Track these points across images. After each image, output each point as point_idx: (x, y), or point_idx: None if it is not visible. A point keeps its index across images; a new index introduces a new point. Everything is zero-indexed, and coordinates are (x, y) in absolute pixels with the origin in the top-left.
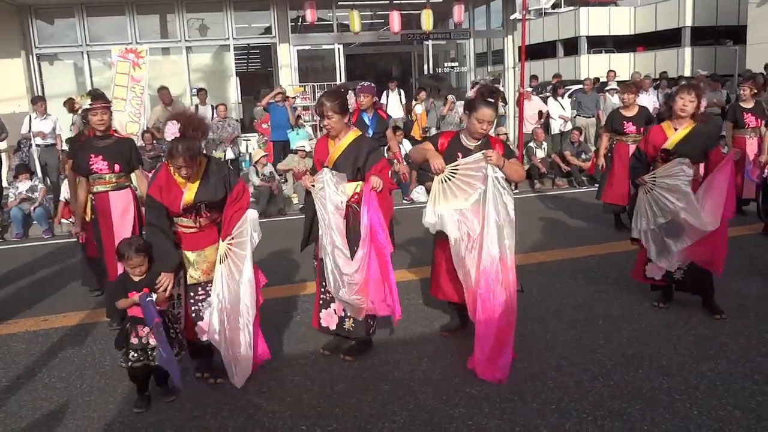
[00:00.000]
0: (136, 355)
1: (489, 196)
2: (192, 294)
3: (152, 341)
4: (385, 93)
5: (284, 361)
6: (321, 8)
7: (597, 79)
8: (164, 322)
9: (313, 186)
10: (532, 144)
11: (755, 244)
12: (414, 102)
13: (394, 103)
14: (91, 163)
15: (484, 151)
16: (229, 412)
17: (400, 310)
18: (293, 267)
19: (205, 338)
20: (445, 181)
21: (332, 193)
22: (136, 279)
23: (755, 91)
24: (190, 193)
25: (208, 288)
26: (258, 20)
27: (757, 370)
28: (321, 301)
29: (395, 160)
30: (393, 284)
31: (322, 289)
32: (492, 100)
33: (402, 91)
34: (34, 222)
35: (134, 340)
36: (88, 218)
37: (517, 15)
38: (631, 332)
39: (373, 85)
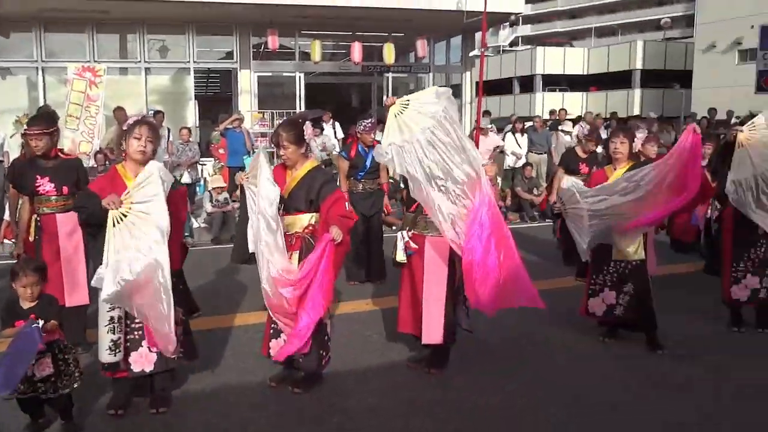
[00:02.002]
0: (22, 387)
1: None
2: (129, 321)
3: (39, 372)
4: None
5: (231, 391)
6: (283, 36)
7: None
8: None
9: (247, 178)
10: None
11: (695, 282)
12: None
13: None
14: (37, 184)
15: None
16: None
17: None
18: (243, 295)
19: (138, 370)
20: (398, 116)
21: (267, 175)
22: (26, 306)
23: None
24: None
25: None
26: (219, 44)
27: (698, 404)
28: (271, 330)
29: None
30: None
31: (273, 317)
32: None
33: (337, 123)
34: None
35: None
36: (31, 238)
37: (476, 52)
38: (577, 366)
39: (374, 121)
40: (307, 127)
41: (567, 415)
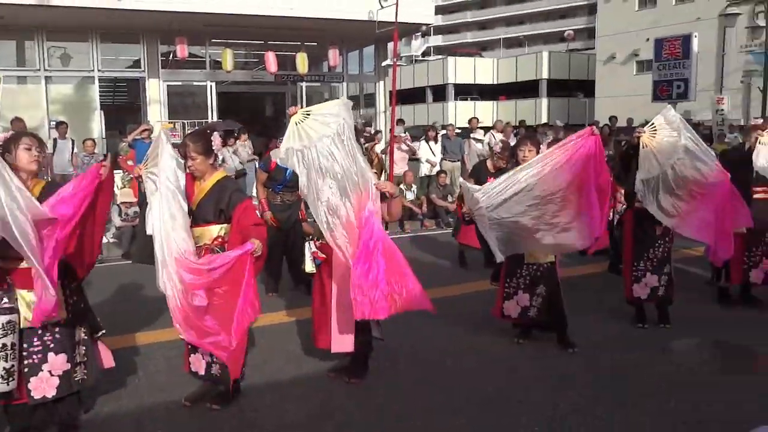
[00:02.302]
0: None
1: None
2: (26, 345)
3: None
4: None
5: (145, 412)
6: (194, 44)
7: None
8: None
9: (146, 165)
10: (402, 186)
11: (602, 283)
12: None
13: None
14: None
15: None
16: None
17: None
18: (156, 311)
19: (39, 396)
20: (299, 123)
21: (170, 151)
22: None
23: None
24: None
25: (46, 337)
26: (126, 52)
27: (604, 400)
28: (190, 345)
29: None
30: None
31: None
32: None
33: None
34: None
35: None
36: None
37: (388, 61)
38: (494, 369)
39: None
40: (216, 138)
41: (480, 417)
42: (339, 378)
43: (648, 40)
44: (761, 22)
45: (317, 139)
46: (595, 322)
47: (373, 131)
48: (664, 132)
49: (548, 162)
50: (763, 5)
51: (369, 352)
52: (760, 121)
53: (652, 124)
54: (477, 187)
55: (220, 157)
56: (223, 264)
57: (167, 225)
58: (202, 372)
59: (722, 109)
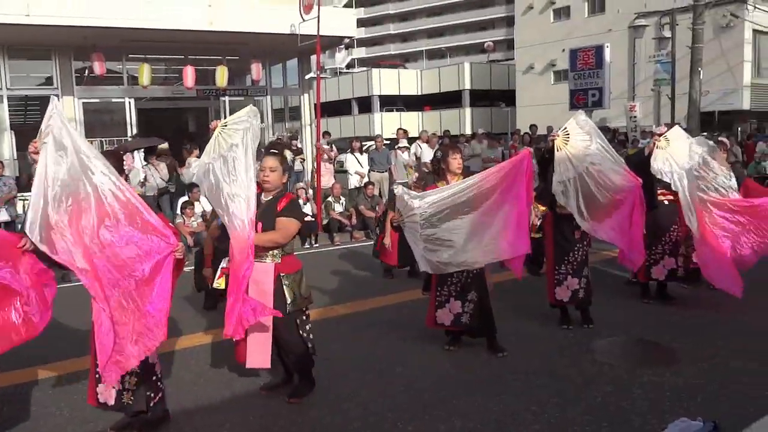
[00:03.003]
0: None
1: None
2: None
3: None
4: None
5: None
6: (110, 60)
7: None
8: None
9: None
10: (330, 199)
11: (527, 287)
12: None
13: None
14: None
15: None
16: None
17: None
18: (84, 338)
19: None
20: (217, 138)
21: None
22: None
23: None
24: None
25: None
26: (37, 69)
27: (536, 401)
28: (96, 375)
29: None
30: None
31: (98, 362)
32: (275, 151)
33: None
34: None
35: None
36: None
37: (312, 74)
38: (428, 377)
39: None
40: (127, 158)
41: (416, 423)
42: (273, 394)
43: (563, 50)
44: (667, 34)
45: (227, 148)
46: (522, 326)
47: (299, 144)
48: (577, 136)
49: (486, 178)
50: (668, 17)
51: (311, 366)
52: (664, 129)
53: (566, 128)
54: (414, 193)
55: (142, 175)
56: (140, 211)
57: (58, 162)
58: (111, 402)
59: (635, 116)
